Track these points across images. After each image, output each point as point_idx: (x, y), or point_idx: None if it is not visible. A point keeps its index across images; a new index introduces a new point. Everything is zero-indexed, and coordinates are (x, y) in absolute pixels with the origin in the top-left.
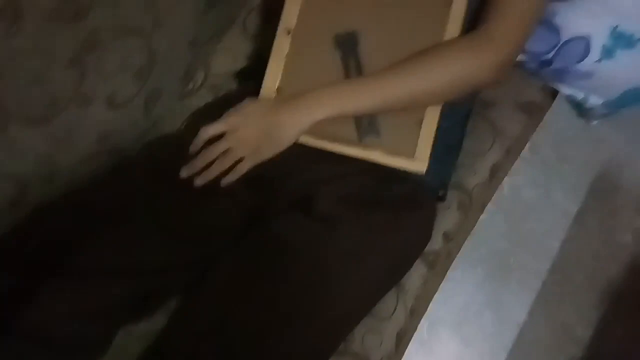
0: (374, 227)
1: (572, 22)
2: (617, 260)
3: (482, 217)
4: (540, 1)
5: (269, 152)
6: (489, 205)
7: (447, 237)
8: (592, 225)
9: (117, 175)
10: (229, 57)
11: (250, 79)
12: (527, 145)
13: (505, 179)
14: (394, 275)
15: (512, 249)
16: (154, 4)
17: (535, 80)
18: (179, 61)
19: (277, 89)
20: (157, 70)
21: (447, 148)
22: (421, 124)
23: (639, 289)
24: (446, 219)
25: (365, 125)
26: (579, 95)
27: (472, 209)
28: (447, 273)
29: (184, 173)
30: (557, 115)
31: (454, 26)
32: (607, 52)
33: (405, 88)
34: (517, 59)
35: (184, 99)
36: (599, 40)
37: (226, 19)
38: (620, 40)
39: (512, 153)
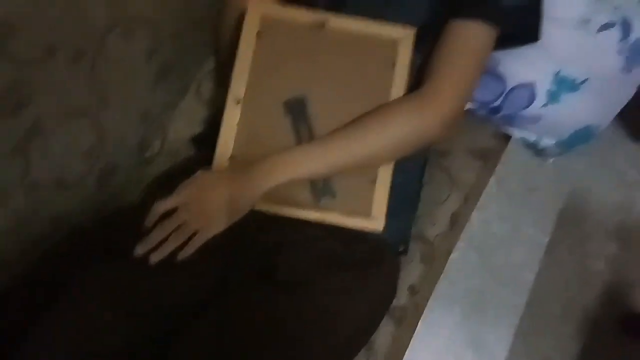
0: (338, 291)
1: (516, 70)
2: (592, 288)
3: (454, 255)
4: (481, 56)
5: (224, 222)
6: (460, 243)
7: (413, 290)
8: (564, 255)
9: (71, 254)
10: (186, 122)
11: (207, 144)
12: (493, 178)
13: (475, 214)
14: (361, 337)
15: (488, 285)
16: (99, 84)
17: (488, 126)
18: (132, 134)
19: (230, 157)
20: (109, 146)
21: (404, 202)
22: (375, 182)
23: (615, 316)
24: (410, 272)
25: (321, 187)
26: (532, 138)
27: (435, 259)
28: (425, 315)
29: (139, 250)
30: (520, 146)
31: (398, 86)
32: (553, 97)
33: (354, 152)
34: (466, 107)
35: (143, 167)
36: (544, 85)
37: (180, 87)
38: (563, 84)
39: (470, 200)
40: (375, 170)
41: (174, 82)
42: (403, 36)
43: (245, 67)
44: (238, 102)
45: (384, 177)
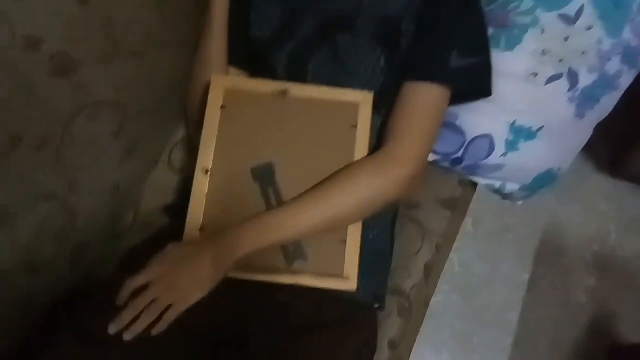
0: (316, 355)
1: (473, 123)
2: (576, 321)
3: (437, 299)
4: (436, 115)
5: (197, 294)
6: (444, 286)
7: (392, 344)
8: (545, 290)
9: (44, 335)
10: (157, 192)
11: (180, 213)
12: (469, 219)
13: (455, 256)
14: None
15: (473, 327)
16: (67, 168)
17: (453, 175)
18: (103, 210)
19: (200, 228)
20: (80, 225)
21: (377, 258)
22: (345, 242)
23: (602, 348)
24: (389, 326)
25: (292, 251)
26: (496, 184)
27: (413, 311)
28: None
29: (112, 329)
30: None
31: (361, 147)
32: (511, 145)
33: (322, 214)
34: (429, 160)
35: (115, 241)
36: (501, 135)
37: (149, 159)
38: (520, 133)
39: (442, 248)
40: (345, 229)
41: (142, 156)
42: (362, 99)
43: (212, 138)
44: (206, 172)
45: (354, 236)
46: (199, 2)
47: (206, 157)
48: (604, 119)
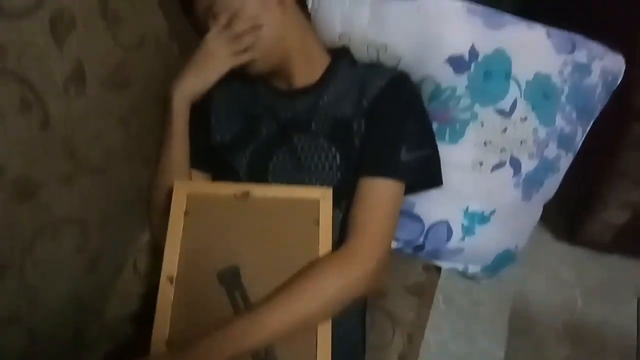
0: None
1: (430, 210)
2: None
3: None
4: (393, 208)
5: None
6: None
7: None
8: None
9: None
10: (123, 300)
11: (146, 322)
12: (440, 297)
13: (430, 336)
14: None
15: None
16: (28, 289)
17: (417, 261)
18: (66, 325)
19: (167, 341)
20: (43, 344)
21: (350, 354)
22: (316, 342)
23: None
24: None
25: (263, 356)
26: (459, 267)
27: None
28: None
29: None
30: None
31: (324, 242)
32: (468, 230)
33: (290, 316)
34: (393, 247)
35: (82, 352)
36: (457, 221)
37: (114, 268)
38: (474, 218)
39: (414, 338)
40: (315, 328)
41: (107, 266)
42: (322, 195)
43: (176, 245)
44: (171, 281)
45: (324, 335)
46: (164, 117)
47: (171, 264)
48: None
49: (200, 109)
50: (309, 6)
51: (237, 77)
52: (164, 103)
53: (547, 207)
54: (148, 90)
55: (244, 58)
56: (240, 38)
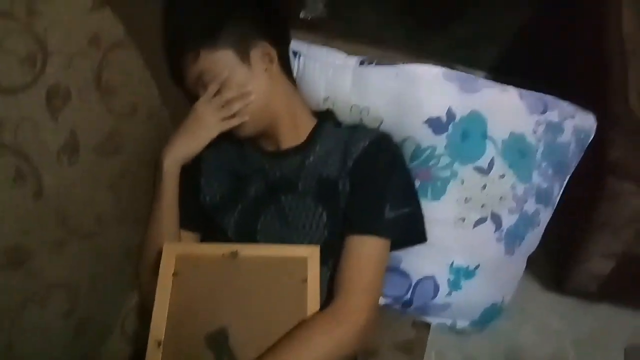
0: None
1: (417, 266)
2: None
3: None
4: (380, 264)
5: None
6: None
7: None
8: None
9: None
10: None
11: None
12: (433, 353)
13: None
14: None
15: None
16: (14, 357)
17: (406, 317)
18: None
19: None
20: None
21: None
22: None
23: None
24: None
25: None
26: (448, 322)
27: None
28: None
29: None
30: None
31: (313, 301)
32: (454, 285)
33: None
34: (381, 303)
35: None
36: (443, 276)
37: (103, 330)
38: (459, 273)
39: None
40: None
41: (95, 330)
42: (309, 253)
43: (164, 308)
44: (159, 345)
45: None
46: (154, 181)
47: (159, 328)
48: (544, 232)
49: (190, 171)
50: (295, 73)
51: (226, 139)
52: (155, 167)
53: (534, 258)
54: (139, 155)
55: (232, 123)
56: (229, 104)
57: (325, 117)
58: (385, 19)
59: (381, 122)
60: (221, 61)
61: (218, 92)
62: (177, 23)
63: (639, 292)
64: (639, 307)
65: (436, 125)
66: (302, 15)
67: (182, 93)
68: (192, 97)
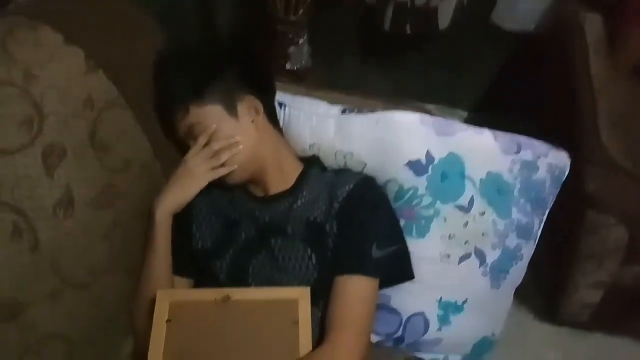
0: None
1: (406, 302)
2: None
3: None
4: (369, 302)
5: None
6: None
7: None
8: None
9: None
10: None
11: None
12: None
13: None
14: None
15: None
16: None
17: (399, 353)
18: None
19: None
20: None
21: None
22: None
23: None
24: None
25: None
26: (440, 357)
27: None
28: None
29: None
30: None
31: (305, 341)
32: (443, 320)
33: None
34: (374, 341)
35: None
36: (432, 312)
37: None
38: (448, 308)
39: None
40: None
41: None
42: (300, 295)
43: (159, 355)
44: None
45: None
46: (147, 230)
47: None
48: (534, 264)
49: (182, 218)
50: (281, 122)
51: (216, 186)
52: (147, 217)
53: (526, 290)
54: (132, 207)
55: (221, 172)
56: (218, 155)
57: (311, 163)
58: (367, 66)
59: (365, 166)
60: (209, 115)
61: (207, 144)
62: (166, 81)
63: (631, 319)
64: (632, 334)
65: (416, 167)
66: (287, 66)
67: (173, 147)
68: (182, 149)
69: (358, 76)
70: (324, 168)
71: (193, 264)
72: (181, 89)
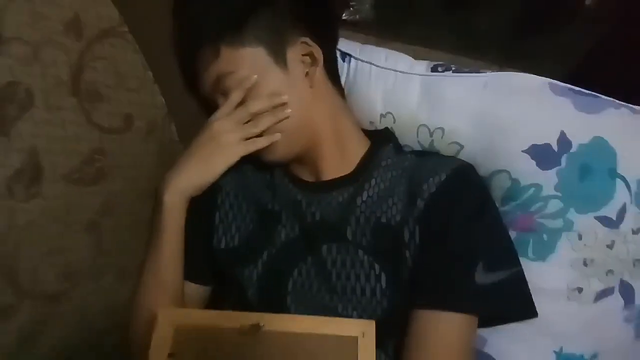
0: None
1: (508, 352)
2: None
3: None
4: (463, 349)
5: None
6: None
7: None
8: None
9: None
10: None
11: None
12: None
13: None
14: None
15: None
16: None
17: None
18: None
19: None
20: None
21: None
22: None
23: None
24: None
25: None
26: None
27: None
28: None
29: None
30: None
31: None
32: None
33: None
34: None
35: None
36: None
37: None
38: None
39: None
40: None
41: None
42: (362, 331)
43: None
44: None
45: None
46: (149, 218)
47: None
48: None
49: (201, 206)
50: (343, 80)
51: (250, 162)
52: (153, 201)
53: None
54: (131, 184)
55: (259, 144)
56: (256, 119)
57: (382, 140)
58: (441, 24)
59: (461, 149)
60: (248, 61)
61: (242, 103)
62: (190, 9)
63: None
64: None
65: (543, 155)
66: (345, 16)
67: (194, 102)
68: (207, 108)
69: (429, 37)
70: (400, 148)
71: (212, 269)
72: (211, 21)
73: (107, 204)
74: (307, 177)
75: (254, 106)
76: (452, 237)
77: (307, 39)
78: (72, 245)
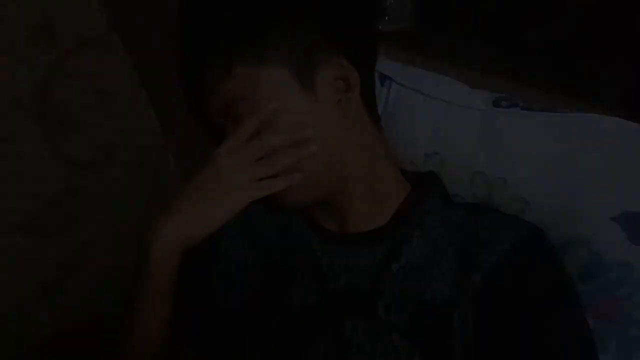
0: None
1: None
2: None
3: None
4: None
5: None
6: None
7: None
8: None
9: None
10: None
11: None
12: None
13: None
14: None
15: None
16: None
17: None
18: None
19: None
20: None
21: None
22: None
23: None
24: None
25: None
26: None
27: None
28: None
29: None
30: None
31: None
32: None
33: None
34: None
35: None
36: None
37: None
38: None
39: None
40: None
41: None
42: None
43: None
44: None
45: None
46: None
47: None
48: None
49: (199, 256)
50: (381, 108)
51: (263, 203)
52: (138, 251)
53: None
54: (108, 228)
55: (275, 187)
56: (273, 156)
57: (426, 186)
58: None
59: (527, 207)
60: (267, 84)
61: (257, 134)
62: (199, 16)
63: None
64: None
65: (638, 227)
66: (381, 26)
67: (197, 128)
68: (212, 137)
69: (476, 52)
70: (448, 198)
71: (209, 332)
72: (222, 32)
73: (73, 260)
74: (331, 225)
75: (271, 140)
76: (519, 328)
77: (343, 60)
78: (27, 313)
